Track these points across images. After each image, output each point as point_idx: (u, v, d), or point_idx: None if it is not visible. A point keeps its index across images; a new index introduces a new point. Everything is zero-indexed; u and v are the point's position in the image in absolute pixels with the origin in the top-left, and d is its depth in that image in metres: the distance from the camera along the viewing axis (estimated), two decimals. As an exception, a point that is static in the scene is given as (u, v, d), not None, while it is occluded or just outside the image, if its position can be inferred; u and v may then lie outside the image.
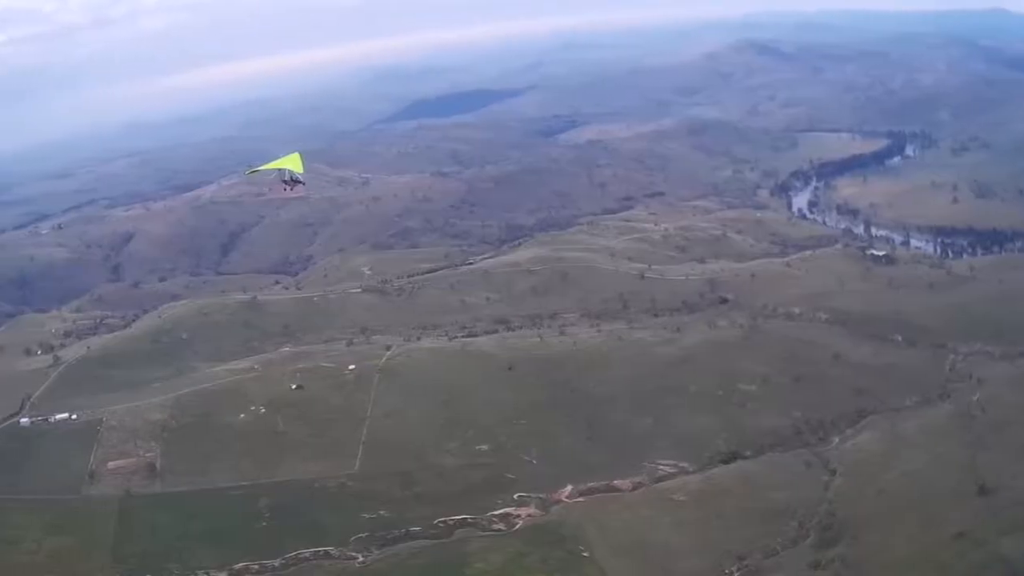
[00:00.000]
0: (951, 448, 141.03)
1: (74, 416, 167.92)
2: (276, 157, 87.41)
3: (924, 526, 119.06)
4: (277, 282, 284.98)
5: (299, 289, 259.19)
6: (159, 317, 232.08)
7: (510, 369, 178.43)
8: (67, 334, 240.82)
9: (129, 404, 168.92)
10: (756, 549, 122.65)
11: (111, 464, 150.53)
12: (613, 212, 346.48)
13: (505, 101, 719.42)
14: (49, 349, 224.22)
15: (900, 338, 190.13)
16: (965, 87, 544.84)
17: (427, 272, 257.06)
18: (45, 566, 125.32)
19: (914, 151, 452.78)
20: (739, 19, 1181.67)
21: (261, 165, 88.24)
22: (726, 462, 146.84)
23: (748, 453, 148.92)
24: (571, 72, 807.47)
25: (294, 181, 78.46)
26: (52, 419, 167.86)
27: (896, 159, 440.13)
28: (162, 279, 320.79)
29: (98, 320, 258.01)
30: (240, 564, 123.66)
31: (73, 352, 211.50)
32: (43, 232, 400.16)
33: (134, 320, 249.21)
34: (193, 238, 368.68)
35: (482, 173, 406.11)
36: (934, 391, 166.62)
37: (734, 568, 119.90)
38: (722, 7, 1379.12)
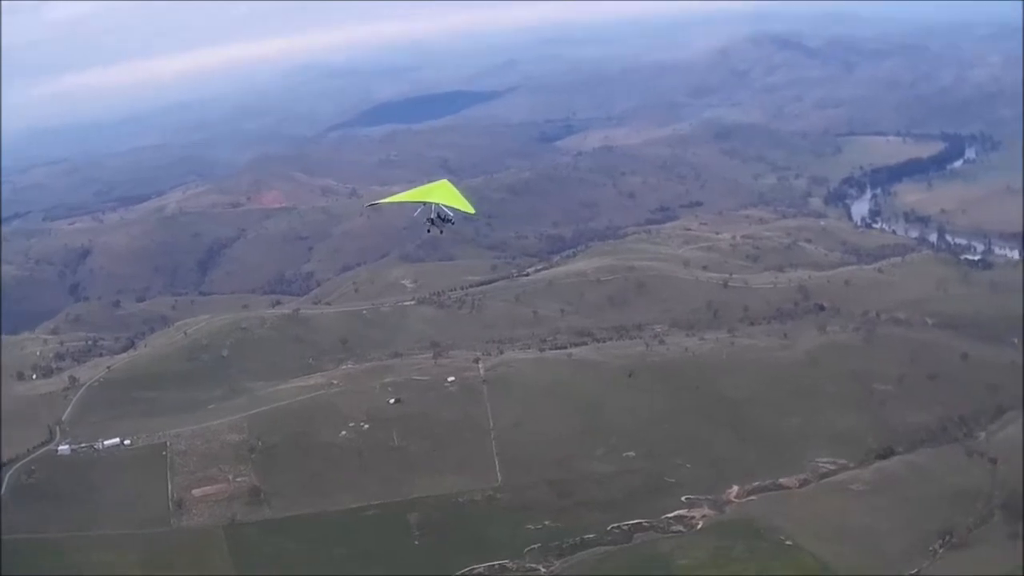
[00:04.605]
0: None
1: (127, 442, 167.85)
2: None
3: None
4: (278, 302, 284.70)
5: (328, 305, 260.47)
6: (184, 335, 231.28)
7: (630, 375, 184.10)
8: (59, 356, 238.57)
9: (193, 427, 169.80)
10: (954, 527, 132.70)
11: (197, 491, 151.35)
12: (656, 223, 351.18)
13: (484, 104, 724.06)
14: (48, 372, 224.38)
15: (1016, 340, 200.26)
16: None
17: (482, 284, 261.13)
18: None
19: (976, 154, 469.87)
20: (749, 10, 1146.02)
21: (387, 197, 67.34)
22: (883, 457, 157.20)
23: (901, 449, 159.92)
24: (556, 71, 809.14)
25: (443, 220, 57.05)
26: (100, 446, 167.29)
27: (959, 163, 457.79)
28: (140, 299, 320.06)
29: (90, 341, 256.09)
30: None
31: (89, 374, 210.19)
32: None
33: (135, 341, 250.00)
34: (165, 254, 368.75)
35: (493, 181, 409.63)
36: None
37: (938, 544, 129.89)
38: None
